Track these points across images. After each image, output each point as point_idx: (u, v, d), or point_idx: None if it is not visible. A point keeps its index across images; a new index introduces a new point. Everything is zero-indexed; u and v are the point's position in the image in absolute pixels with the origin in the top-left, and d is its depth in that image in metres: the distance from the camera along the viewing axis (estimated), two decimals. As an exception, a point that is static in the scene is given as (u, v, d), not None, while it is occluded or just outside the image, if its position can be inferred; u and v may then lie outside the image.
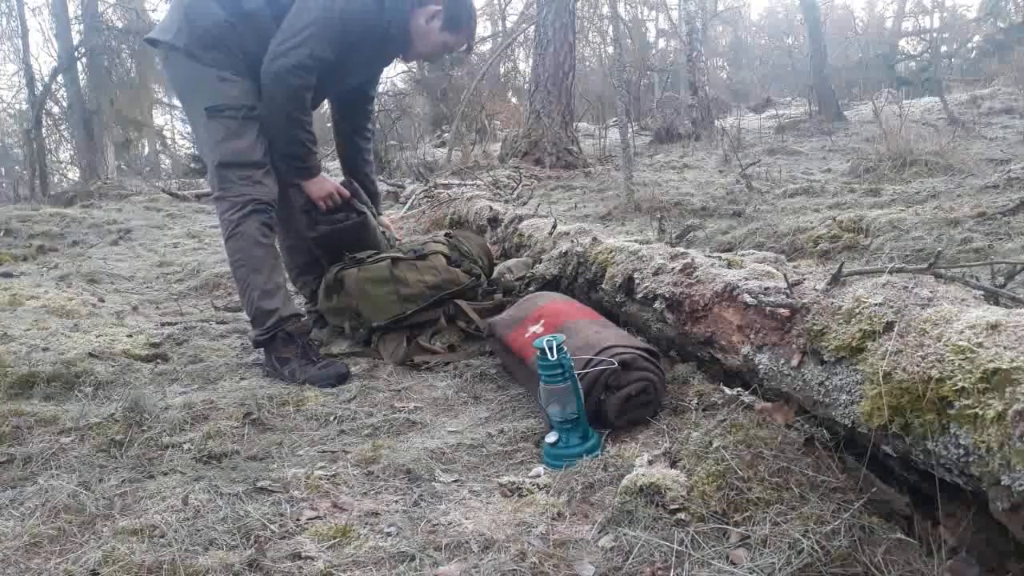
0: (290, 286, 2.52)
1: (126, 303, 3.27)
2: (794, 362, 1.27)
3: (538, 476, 1.36)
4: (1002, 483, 0.83)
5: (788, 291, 1.35)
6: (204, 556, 1.07)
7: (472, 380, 1.99)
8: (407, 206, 5.62)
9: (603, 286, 2.10)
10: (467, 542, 1.09)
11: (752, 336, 1.42)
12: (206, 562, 1.05)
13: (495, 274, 2.66)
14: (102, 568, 1.05)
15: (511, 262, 2.81)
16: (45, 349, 2.18)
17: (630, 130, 6.25)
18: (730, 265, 1.68)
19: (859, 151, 6.09)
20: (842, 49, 17.40)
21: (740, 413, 1.31)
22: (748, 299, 1.44)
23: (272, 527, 1.18)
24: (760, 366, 1.38)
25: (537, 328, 1.78)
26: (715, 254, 1.83)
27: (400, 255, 2.38)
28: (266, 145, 2.19)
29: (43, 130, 12.42)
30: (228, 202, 2.12)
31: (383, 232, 2.61)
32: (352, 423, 1.71)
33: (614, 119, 10.52)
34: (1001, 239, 2.75)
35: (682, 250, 1.91)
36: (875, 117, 6.80)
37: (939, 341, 0.98)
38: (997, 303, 1.19)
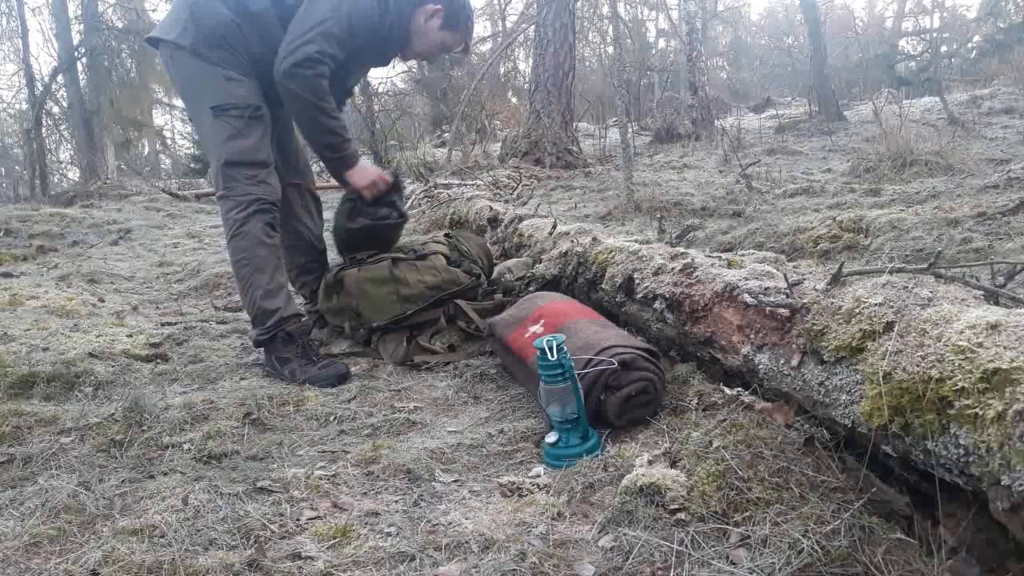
0: (289, 286, 2.52)
1: (126, 303, 3.27)
2: (794, 362, 1.27)
3: (538, 476, 1.36)
4: (1002, 483, 0.83)
5: (788, 291, 1.35)
6: (204, 556, 1.07)
7: (472, 380, 1.99)
8: (407, 206, 5.62)
9: (603, 286, 2.10)
10: (467, 542, 1.09)
11: (752, 336, 1.42)
12: (206, 562, 1.05)
13: (495, 274, 2.66)
14: (102, 568, 1.05)
15: (511, 262, 2.81)
16: (45, 349, 2.18)
17: (630, 130, 6.25)
18: (730, 265, 1.68)
19: (859, 151, 6.09)
20: (842, 49, 17.40)
21: (740, 413, 1.31)
22: (748, 299, 1.44)
23: (272, 527, 1.18)
24: (760, 366, 1.38)
25: (537, 328, 1.78)
26: (715, 254, 1.83)
27: (400, 255, 2.38)
28: (270, 145, 2.19)
29: (43, 130, 12.42)
30: (232, 201, 2.12)
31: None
32: (352, 423, 1.71)
33: (614, 119, 10.52)
34: (1001, 239, 2.75)
35: (682, 250, 1.91)
36: (875, 117, 6.80)
37: (939, 341, 0.98)
38: (997, 303, 1.19)
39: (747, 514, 1.06)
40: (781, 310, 1.34)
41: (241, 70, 2.13)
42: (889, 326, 1.08)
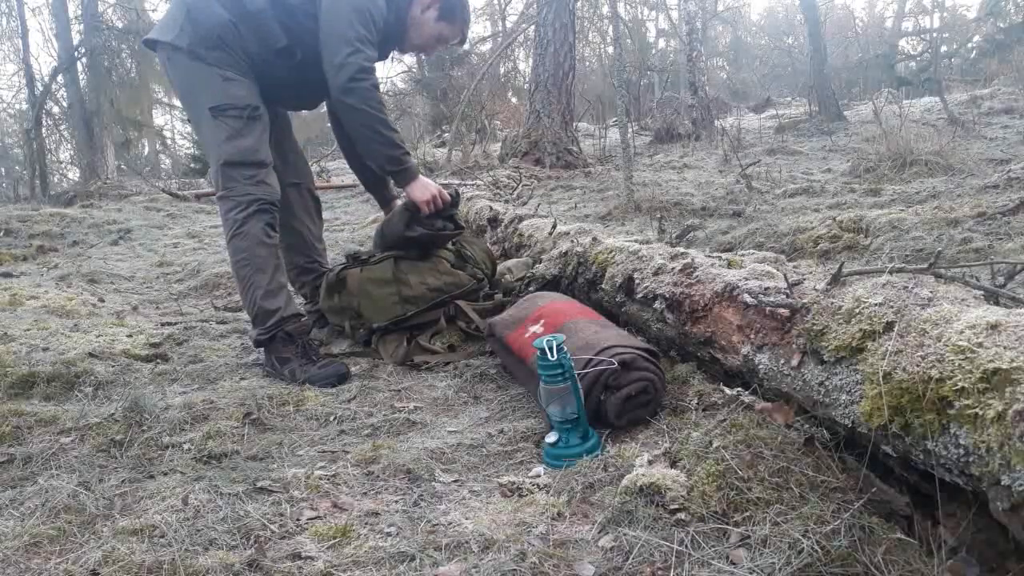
0: (290, 286, 2.53)
1: (126, 303, 3.27)
2: (794, 362, 1.27)
3: (538, 476, 1.36)
4: (1002, 483, 0.83)
5: (788, 291, 1.35)
6: (204, 556, 1.07)
7: (472, 380, 1.99)
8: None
9: (603, 286, 2.10)
10: (467, 542, 1.09)
11: (752, 336, 1.42)
12: (206, 562, 1.05)
13: (495, 276, 2.66)
14: (102, 568, 1.05)
15: (511, 262, 2.81)
16: (45, 349, 2.18)
17: (630, 130, 6.25)
18: (730, 265, 1.68)
19: (859, 151, 6.09)
20: (842, 49, 17.40)
21: (740, 413, 1.31)
22: (748, 299, 1.44)
23: (272, 527, 1.18)
24: (760, 366, 1.38)
25: (537, 328, 1.78)
26: (715, 254, 1.83)
27: (402, 254, 2.38)
28: (268, 145, 2.19)
29: (43, 130, 12.42)
30: (232, 201, 2.12)
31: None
32: (352, 423, 1.71)
33: (614, 119, 10.52)
34: (1001, 239, 2.75)
35: (682, 250, 1.91)
36: (875, 117, 6.80)
37: (939, 341, 0.98)
38: (997, 303, 1.19)
39: (747, 514, 1.06)
40: (781, 310, 1.34)
41: (239, 70, 2.13)
42: (889, 326, 1.08)
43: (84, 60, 12.35)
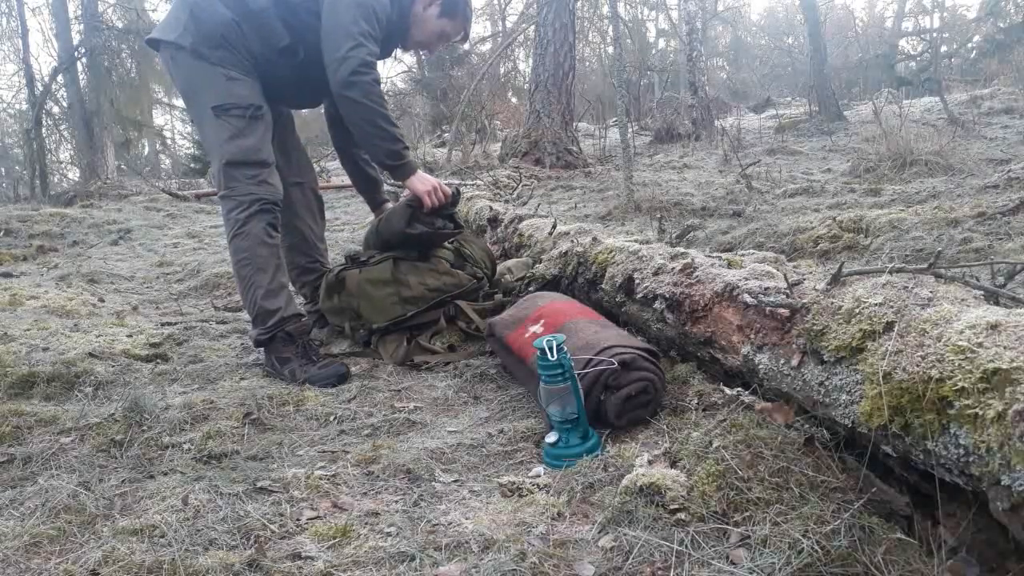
0: (290, 286, 2.53)
1: (126, 303, 3.27)
2: (794, 362, 1.27)
3: (538, 476, 1.36)
4: (1002, 483, 0.83)
5: (788, 291, 1.35)
6: (204, 556, 1.07)
7: (472, 380, 1.99)
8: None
9: (603, 286, 2.10)
10: (467, 542, 1.09)
11: (752, 336, 1.42)
12: (206, 562, 1.05)
13: (495, 275, 2.66)
14: (102, 568, 1.05)
15: (511, 262, 2.81)
16: (45, 349, 2.18)
17: (630, 130, 6.25)
18: (730, 265, 1.68)
19: (859, 151, 6.09)
20: (842, 49, 17.40)
21: (740, 413, 1.31)
22: (748, 299, 1.44)
23: (272, 527, 1.18)
24: (760, 366, 1.38)
25: (537, 328, 1.78)
26: (715, 254, 1.83)
27: (402, 255, 2.38)
28: (271, 145, 2.19)
29: (43, 130, 12.41)
30: (234, 201, 2.12)
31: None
32: (352, 423, 1.71)
33: (614, 119, 10.52)
34: (1001, 239, 2.75)
35: (682, 250, 1.91)
36: (875, 117, 6.80)
37: (939, 341, 0.98)
38: (997, 303, 1.19)
39: (747, 514, 1.06)
40: (781, 310, 1.34)
41: (242, 69, 2.13)
42: (889, 326, 1.08)
43: (84, 60, 12.35)
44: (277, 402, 1.80)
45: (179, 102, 16.77)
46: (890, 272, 1.24)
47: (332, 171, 9.14)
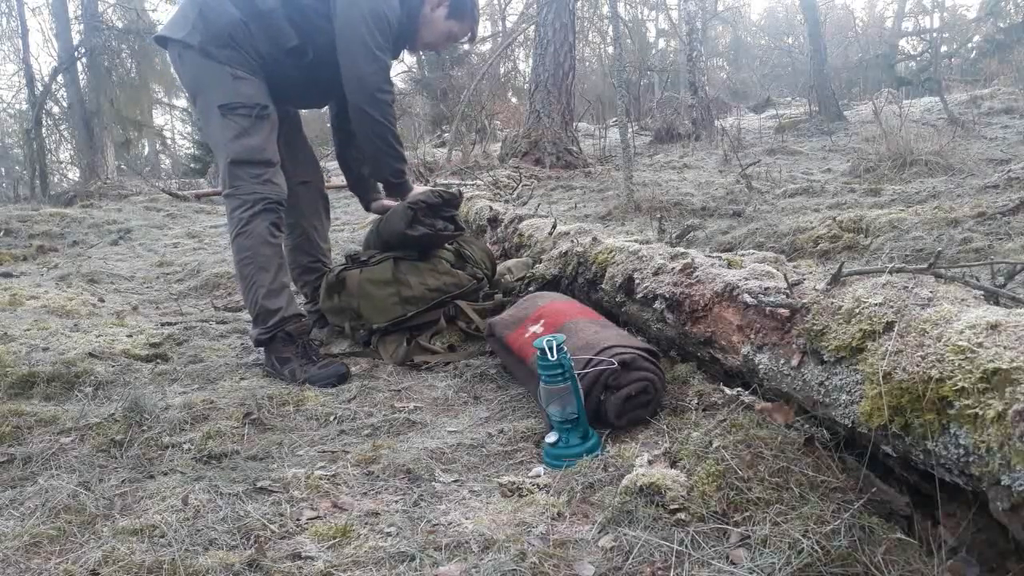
0: (292, 286, 2.53)
1: (126, 303, 3.27)
2: (794, 362, 1.27)
3: (538, 476, 1.36)
4: (1002, 483, 0.83)
5: (788, 291, 1.35)
6: (204, 556, 1.07)
7: (472, 380, 1.99)
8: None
9: (603, 286, 2.10)
10: (467, 542, 1.09)
11: (752, 336, 1.42)
12: (206, 562, 1.05)
13: (495, 275, 2.66)
14: (102, 568, 1.05)
15: (511, 262, 2.81)
16: (45, 349, 2.18)
17: (630, 130, 6.26)
18: (730, 265, 1.68)
19: (859, 151, 6.09)
20: (842, 49, 17.41)
21: (740, 413, 1.31)
22: (748, 299, 1.44)
23: (272, 527, 1.18)
24: (760, 366, 1.38)
25: (537, 328, 1.78)
26: (715, 254, 1.83)
27: (402, 255, 2.38)
28: (276, 145, 2.21)
29: (43, 130, 12.42)
30: (238, 199, 2.13)
31: None
32: (352, 423, 1.71)
33: (614, 119, 10.52)
34: (1001, 239, 2.75)
35: (682, 250, 1.91)
36: (875, 117, 6.80)
37: (939, 341, 0.98)
38: (997, 303, 1.19)
39: (747, 514, 1.06)
40: (781, 310, 1.34)
41: (249, 69, 2.14)
42: (889, 326, 1.08)
43: (84, 60, 12.36)
44: (277, 402, 1.80)
45: (179, 102, 16.80)
46: (890, 272, 1.24)
47: (332, 171, 9.14)
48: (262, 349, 2.17)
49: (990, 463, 0.84)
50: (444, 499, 1.29)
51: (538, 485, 1.31)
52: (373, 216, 2.78)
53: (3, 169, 18.33)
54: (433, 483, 1.35)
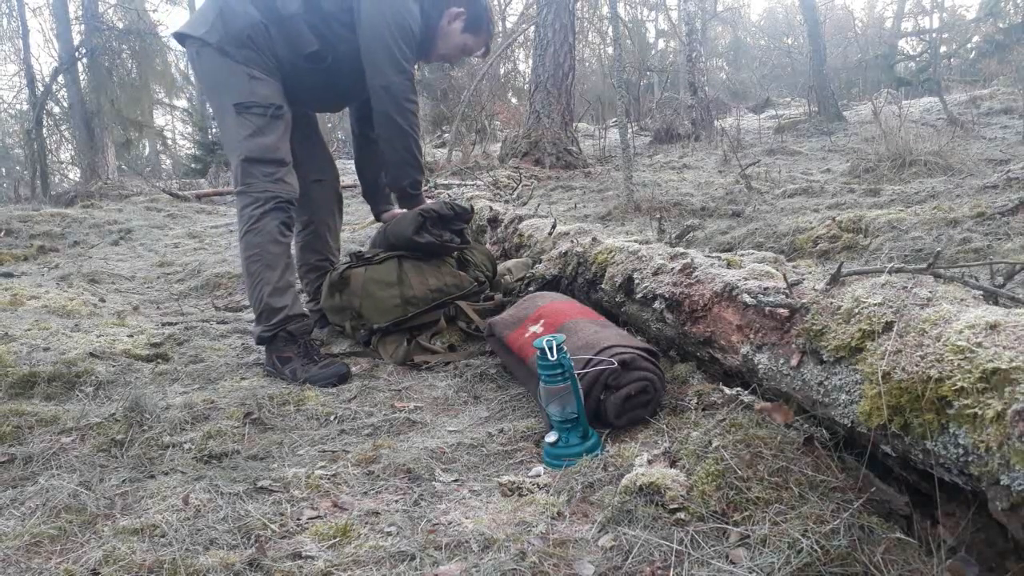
0: (298, 285, 2.55)
1: (127, 303, 3.27)
2: (793, 362, 1.27)
3: (538, 476, 1.36)
4: (1001, 483, 0.83)
5: (787, 291, 1.35)
6: (204, 556, 1.07)
7: (472, 380, 1.99)
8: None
9: (603, 286, 2.10)
10: (467, 542, 1.10)
11: (751, 336, 1.42)
12: (206, 562, 1.05)
13: (495, 276, 2.66)
14: (102, 568, 1.05)
15: (511, 263, 2.81)
16: (46, 349, 2.19)
17: (630, 130, 6.26)
18: (729, 265, 1.68)
19: (858, 151, 6.10)
20: (842, 49, 17.41)
21: (739, 413, 1.31)
22: (747, 299, 1.44)
23: (272, 527, 1.18)
24: (759, 366, 1.38)
25: (537, 328, 1.78)
26: (715, 254, 1.83)
27: (406, 254, 2.39)
28: (289, 145, 2.23)
29: (44, 130, 12.43)
30: (250, 197, 2.15)
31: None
32: (352, 423, 1.71)
33: (614, 119, 10.52)
34: (1000, 239, 2.75)
35: (682, 250, 1.91)
36: (874, 117, 6.81)
37: (938, 341, 0.98)
38: (996, 303, 1.19)
39: (746, 514, 1.06)
40: (780, 310, 1.34)
41: (265, 70, 2.16)
42: (888, 326, 1.08)
43: (84, 60, 12.37)
44: (277, 402, 1.80)
45: (180, 102, 16.80)
46: (889, 272, 1.24)
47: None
48: (263, 348, 2.17)
49: (989, 463, 0.85)
50: (444, 499, 1.29)
51: (538, 485, 1.31)
52: (371, 218, 2.80)
53: (4, 169, 18.33)
54: (433, 483, 1.35)
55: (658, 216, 3.59)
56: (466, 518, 1.19)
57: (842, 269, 1.30)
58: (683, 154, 8.49)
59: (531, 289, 2.40)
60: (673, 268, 1.78)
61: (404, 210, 2.51)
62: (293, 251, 2.35)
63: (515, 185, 6.20)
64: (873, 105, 7.92)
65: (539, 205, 4.26)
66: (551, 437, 1.43)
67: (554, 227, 2.83)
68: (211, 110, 2.39)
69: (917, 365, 0.98)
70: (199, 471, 1.42)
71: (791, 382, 1.28)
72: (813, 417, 1.26)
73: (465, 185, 5.97)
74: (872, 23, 23.21)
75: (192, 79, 15.52)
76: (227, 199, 8.27)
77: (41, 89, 12.21)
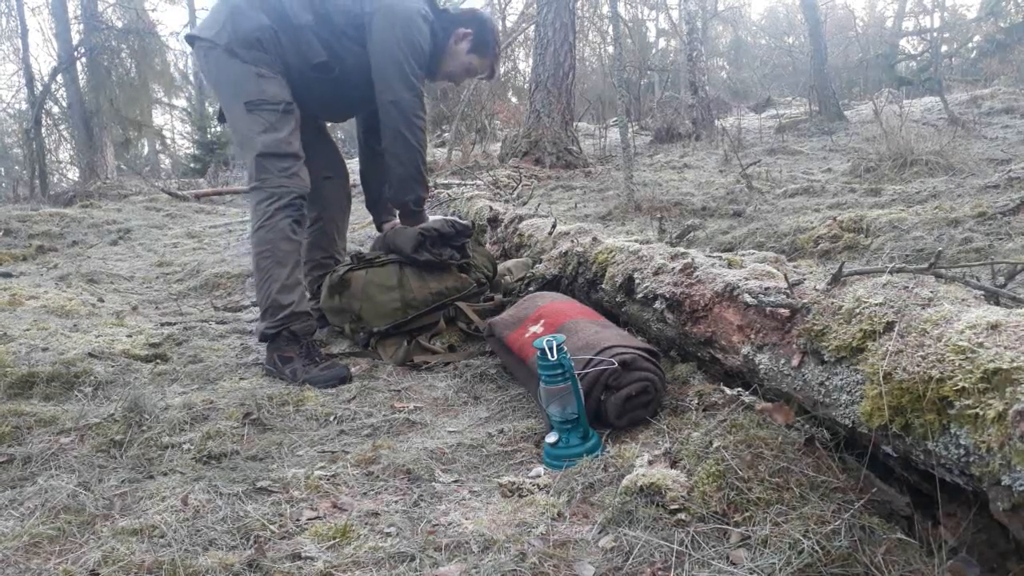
0: (305, 282, 2.55)
1: (126, 303, 3.27)
2: (794, 362, 1.27)
3: (538, 476, 1.35)
4: (1002, 483, 0.83)
5: (788, 291, 1.35)
6: (204, 556, 1.07)
7: (472, 380, 1.99)
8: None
9: (603, 286, 2.10)
10: (467, 542, 1.09)
11: (752, 336, 1.42)
12: (206, 562, 1.05)
13: (496, 277, 2.66)
14: (102, 568, 1.05)
15: (511, 263, 2.81)
16: (45, 349, 2.18)
17: (630, 130, 6.25)
18: (730, 265, 1.67)
19: (859, 151, 6.09)
20: (842, 49, 17.40)
21: (740, 413, 1.31)
22: (748, 299, 1.44)
23: (272, 527, 1.18)
24: (760, 366, 1.38)
25: (537, 328, 1.78)
26: (715, 254, 1.83)
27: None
28: (300, 139, 2.25)
29: (43, 130, 12.43)
30: (265, 192, 2.17)
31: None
32: (352, 423, 1.71)
33: (614, 119, 10.52)
34: (1001, 239, 2.75)
35: (682, 250, 1.91)
36: (875, 117, 6.80)
37: (939, 341, 0.98)
38: (997, 303, 1.19)
39: (747, 514, 1.06)
40: (781, 310, 1.34)
41: (273, 69, 2.18)
42: (889, 326, 1.08)
43: (84, 60, 12.36)
44: (277, 402, 1.80)
45: (179, 102, 16.79)
46: (890, 272, 1.24)
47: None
48: (263, 348, 2.17)
49: (990, 463, 0.84)
50: (444, 499, 1.29)
51: (538, 485, 1.30)
52: (371, 218, 2.80)
53: (3, 169, 18.33)
54: (433, 483, 1.35)
55: (659, 216, 3.59)
56: (466, 519, 1.18)
57: (843, 269, 1.29)
58: (684, 153, 8.48)
59: (531, 289, 2.40)
60: (674, 268, 1.78)
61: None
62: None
63: (515, 185, 6.20)
64: (874, 104, 7.91)
65: (539, 205, 4.26)
66: (551, 438, 1.43)
67: (554, 227, 2.83)
68: (213, 109, 2.42)
69: (918, 365, 0.98)
70: (198, 472, 1.41)
71: (792, 382, 1.28)
72: (814, 417, 1.26)
73: (465, 185, 5.96)
74: (873, 22, 23.20)
75: (191, 78, 15.53)
76: (226, 199, 8.27)
77: (40, 88, 12.21)
